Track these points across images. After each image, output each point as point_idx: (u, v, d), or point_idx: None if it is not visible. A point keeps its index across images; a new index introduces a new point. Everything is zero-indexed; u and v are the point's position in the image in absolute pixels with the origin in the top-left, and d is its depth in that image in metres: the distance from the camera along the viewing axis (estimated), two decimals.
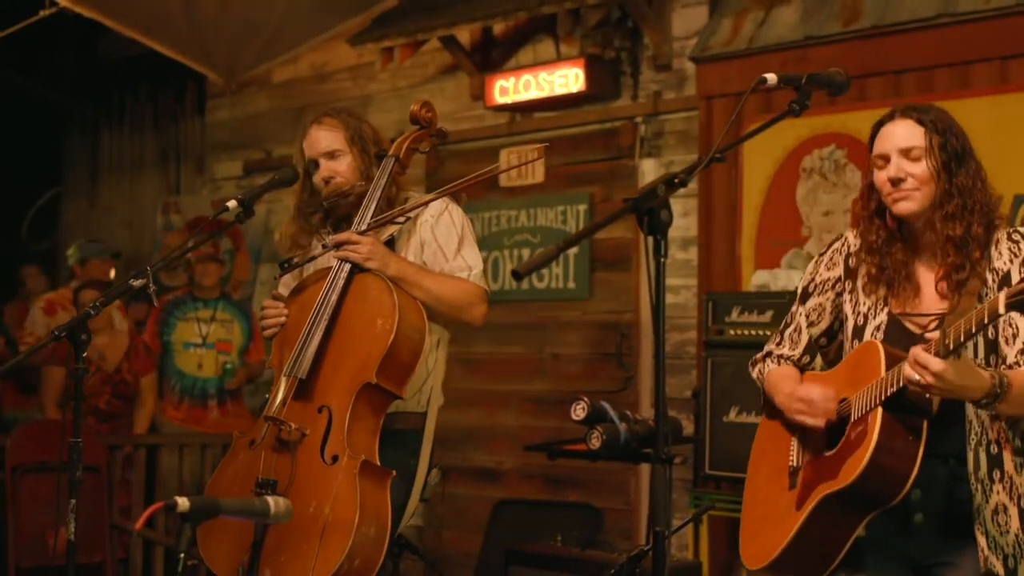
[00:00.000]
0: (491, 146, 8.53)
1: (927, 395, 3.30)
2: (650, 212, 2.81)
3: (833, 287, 3.83)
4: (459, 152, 8.59)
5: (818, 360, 3.96)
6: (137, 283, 4.16)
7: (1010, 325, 3.48)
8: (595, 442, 3.68)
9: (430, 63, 9.02)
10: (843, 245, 3.85)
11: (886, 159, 3.64)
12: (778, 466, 3.81)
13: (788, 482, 3.74)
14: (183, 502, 2.76)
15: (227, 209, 4.36)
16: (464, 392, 8.29)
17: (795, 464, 3.75)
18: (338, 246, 4.36)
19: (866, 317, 3.68)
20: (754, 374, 4.02)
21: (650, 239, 2.84)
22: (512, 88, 8.32)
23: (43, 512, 6.87)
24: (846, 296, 3.78)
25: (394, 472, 4.22)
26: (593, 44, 8.01)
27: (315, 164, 4.59)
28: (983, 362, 3.47)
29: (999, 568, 3.47)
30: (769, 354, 3.98)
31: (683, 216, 7.47)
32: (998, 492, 3.48)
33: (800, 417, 3.67)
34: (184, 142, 11.05)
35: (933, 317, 3.51)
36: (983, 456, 3.48)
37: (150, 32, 8.52)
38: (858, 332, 3.69)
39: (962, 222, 3.53)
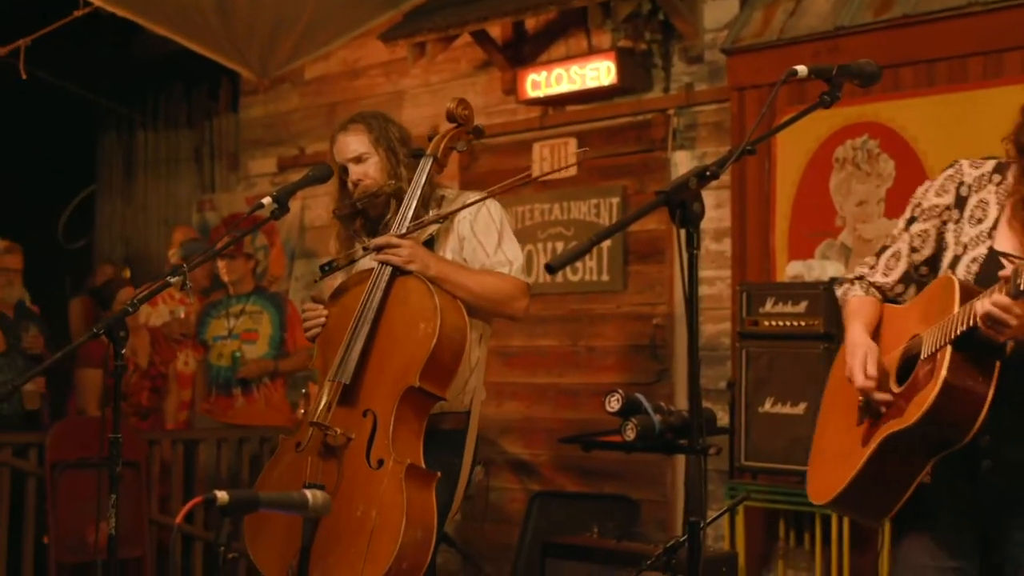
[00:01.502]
0: (523, 140, 8.55)
1: (999, 335, 3.21)
2: (682, 205, 2.82)
3: (940, 214, 3.66)
4: (492, 146, 8.60)
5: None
6: (174, 280, 4.19)
7: None
8: (630, 433, 3.70)
9: (462, 58, 9.04)
10: (956, 172, 3.71)
11: None
12: (850, 400, 3.71)
13: (857, 417, 3.66)
14: (223, 496, 2.79)
15: (262, 206, 4.39)
16: (500, 385, 8.33)
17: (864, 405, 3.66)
18: (378, 249, 4.39)
19: (966, 248, 3.57)
20: (838, 293, 3.89)
21: (682, 232, 2.84)
22: (544, 82, 8.33)
23: (83, 508, 6.92)
24: (951, 225, 3.64)
25: (439, 474, 4.25)
26: (624, 37, 8.02)
27: (345, 170, 4.64)
28: None
29: None
30: (860, 277, 3.83)
31: (716, 208, 7.48)
32: None
33: (848, 372, 3.60)
34: (218, 139, 11.10)
35: None
36: None
37: (183, 30, 8.55)
38: (955, 262, 3.58)
39: None
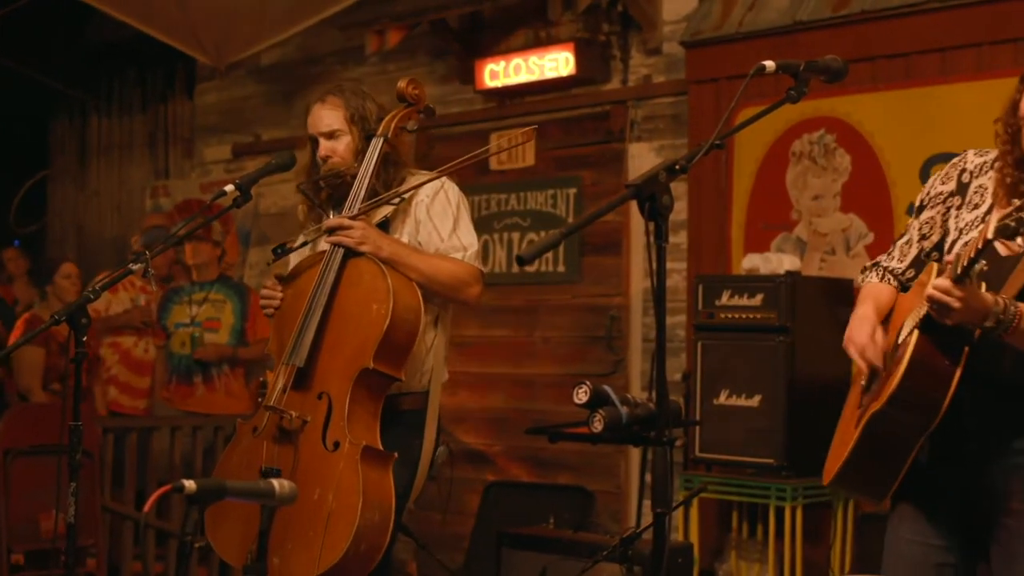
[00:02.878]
0: (481, 130, 8.54)
1: (944, 319, 3.29)
2: (651, 198, 2.84)
3: (944, 201, 3.74)
4: (449, 136, 8.61)
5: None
6: (136, 267, 4.18)
7: None
8: (597, 425, 3.72)
9: (419, 47, 9.03)
10: (961, 160, 3.78)
11: None
12: (860, 384, 3.83)
13: (859, 399, 3.76)
14: (190, 484, 2.78)
15: (224, 193, 4.38)
16: (454, 375, 8.19)
17: (867, 383, 3.77)
18: (330, 231, 4.37)
19: (961, 232, 3.65)
20: (857, 280, 4.02)
21: (651, 224, 2.85)
22: (502, 72, 8.33)
23: (35, 495, 6.88)
24: (953, 211, 3.71)
25: (396, 455, 4.24)
26: (583, 28, 8.02)
27: (315, 142, 4.59)
28: None
29: None
30: (876, 264, 3.93)
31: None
32: None
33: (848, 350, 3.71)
34: (173, 125, 11.06)
35: None
36: None
37: (139, 14, 8.52)
38: (951, 247, 3.66)
39: None
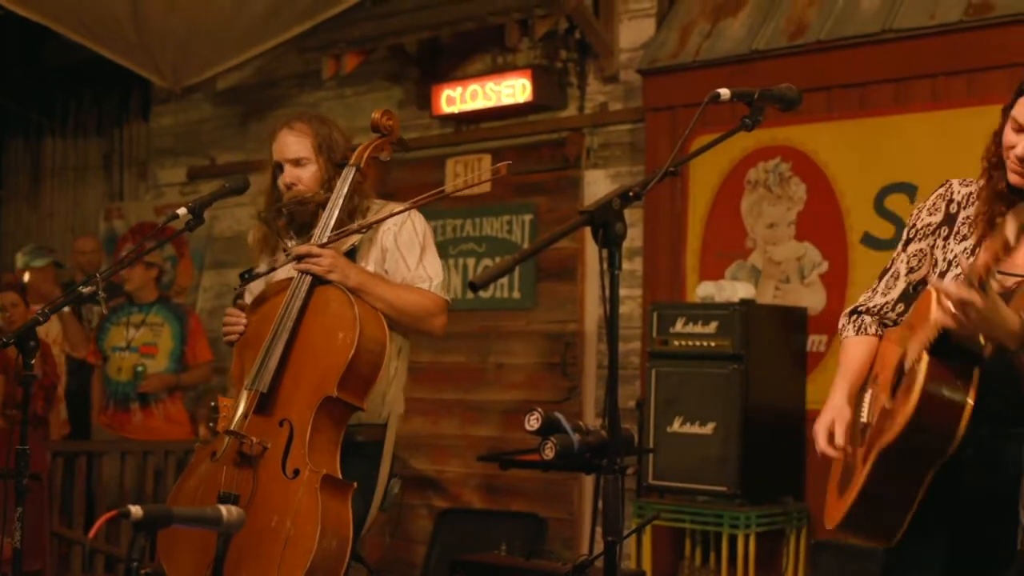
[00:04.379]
0: (437, 155, 8.55)
1: (963, 332, 3.22)
2: (605, 224, 2.83)
3: (933, 233, 3.69)
4: (405, 161, 8.58)
5: None
6: (87, 290, 4.14)
7: None
8: (549, 452, 3.70)
9: (377, 72, 9.02)
10: (947, 191, 3.73)
11: (1019, 129, 3.45)
12: (856, 423, 3.75)
13: (861, 439, 3.67)
14: (136, 510, 2.75)
15: (177, 216, 4.36)
16: (407, 401, 8.24)
17: (866, 419, 3.69)
18: (299, 258, 4.35)
19: (950, 264, 3.61)
20: (839, 327, 3.92)
21: (604, 251, 2.84)
22: (459, 97, 8.33)
23: None
24: (940, 242, 3.67)
25: (355, 484, 4.22)
26: (540, 55, 8.04)
27: (280, 168, 4.57)
28: None
29: None
30: (856, 310, 3.88)
31: (628, 227, 7.49)
32: None
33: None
34: (128, 148, 10.99)
35: (1020, 278, 3.36)
36: None
37: (96, 37, 8.48)
38: (942, 279, 3.58)
39: None
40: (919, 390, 3.31)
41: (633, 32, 7.76)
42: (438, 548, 7.72)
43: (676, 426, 6.57)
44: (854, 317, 3.88)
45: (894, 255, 3.84)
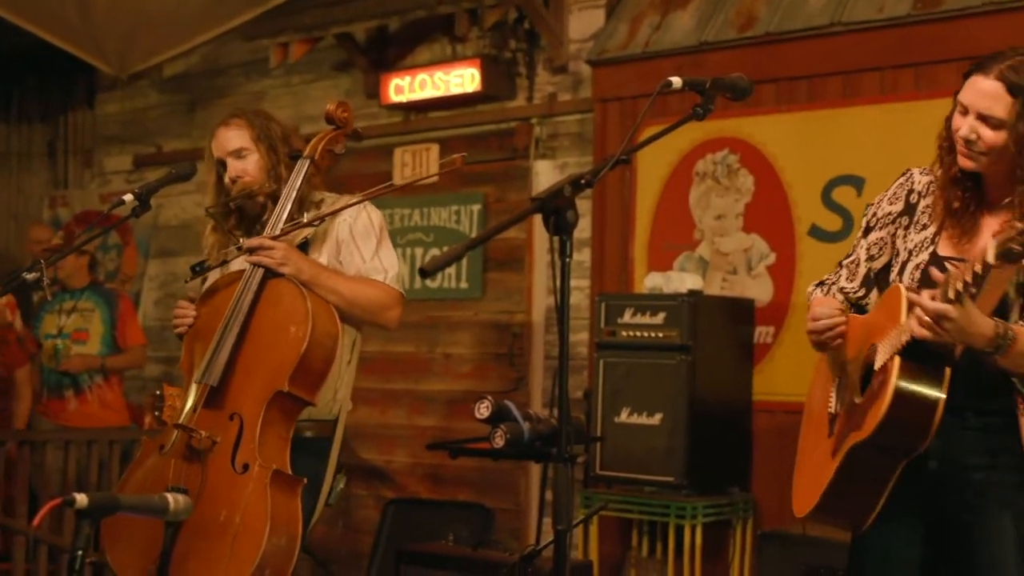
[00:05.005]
0: (385, 144, 8.51)
1: (937, 339, 3.29)
2: (556, 212, 2.82)
3: (893, 222, 3.76)
4: (353, 150, 8.46)
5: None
6: (31, 276, 4.10)
7: None
8: (499, 441, 3.69)
9: (324, 60, 8.98)
10: (907, 180, 3.80)
11: (965, 111, 3.51)
12: (822, 412, 3.82)
13: (828, 429, 3.74)
14: (81, 498, 2.72)
15: (123, 202, 4.32)
16: (354, 391, 8.22)
17: (834, 411, 3.75)
18: (251, 251, 4.32)
19: (911, 254, 3.67)
20: (807, 294, 3.98)
21: (556, 239, 2.83)
22: (407, 87, 8.31)
23: None
24: (900, 231, 3.74)
25: (305, 480, 4.19)
26: (490, 44, 8.02)
27: (223, 164, 4.54)
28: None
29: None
30: (823, 282, 3.94)
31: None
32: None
33: (811, 336, 3.71)
34: (73, 135, 10.90)
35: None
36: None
37: (40, 22, 8.38)
38: (902, 269, 3.67)
39: None
40: (892, 390, 3.35)
41: (583, 23, 7.75)
42: (385, 538, 7.68)
43: (623, 417, 6.57)
44: (822, 286, 3.93)
45: (855, 243, 3.89)
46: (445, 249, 8.19)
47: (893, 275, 3.73)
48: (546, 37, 7.84)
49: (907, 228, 3.72)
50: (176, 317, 4.49)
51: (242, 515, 4.01)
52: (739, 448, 6.73)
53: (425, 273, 2.73)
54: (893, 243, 3.76)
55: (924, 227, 3.67)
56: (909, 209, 3.74)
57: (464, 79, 8.05)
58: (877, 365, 3.48)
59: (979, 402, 3.52)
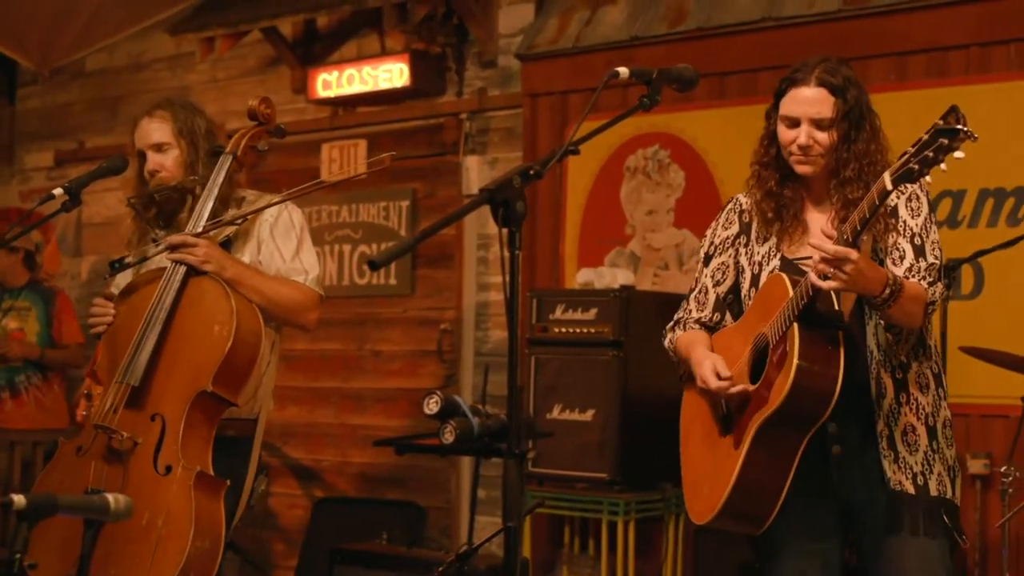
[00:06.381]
0: (313, 140, 8.43)
1: (833, 290, 3.44)
2: (505, 203, 2.78)
3: (733, 244, 3.98)
4: (280, 146, 8.37)
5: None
6: None
7: (896, 248, 3.66)
8: (449, 436, 3.64)
9: (251, 55, 8.89)
10: (736, 205, 4.04)
11: (795, 122, 3.75)
12: (709, 422, 3.90)
13: (721, 429, 3.83)
14: (19, 499, 2.64)
15: (53, 197, 4.24)
16: (282, 389, 8.15)
17: (725, 411, 3.83)
18: (173, 248, 4.25)
19: (760, 265, 3.85)
20: (665, 343, 4.13)
21: (505, 231, 2.80)
22: (335, 82, 8.23)
23: None
24: (742, 251, 3.94)
25: (228, 482, 4.13)
26: (418, 39, 7.95)
27: (143, 156, 4.47)
28: None
29: (909, 487, 3.65)
30: (678, 322, 4.09)
31: None
32: (906, 413, 3.66)
33: (710, 385, 3.78)
34: None
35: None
36: (888, 381, 3.64)
37: None
38: (755, 280, 3.85)
39: (860, 184, 3.66)
40: (797, 353, 3.48)
41: (512, 17, 7.71)
42: (315, 538, 7.63)
43: (556, 413, 6.54)
44: (679, 325, 4.11)
45: (696, 275, 4.10)
46: (374, 248, 8.17)
47: (746, 288, 3.93)
48: (475, 32, 7.80)
49: (747, 245, 3.96)
50: (94, 315, 4.41)
51: (165, 518, 3.95)
52: (671, 443, 6.65)
53: (375, 265, 2.68)
54: (736, 263, 3.99)
55: (765, 239, 3.89)
56: (744, 229, 3.98)
57: (393, 74, 7.99)
58: (772, 341, 3.61)
59: (862, 374, 3.67)
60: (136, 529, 3.92)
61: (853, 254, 3.34)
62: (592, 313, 6.51)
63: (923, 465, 3.66)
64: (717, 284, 4.00)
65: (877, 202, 3.31)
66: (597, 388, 6.44)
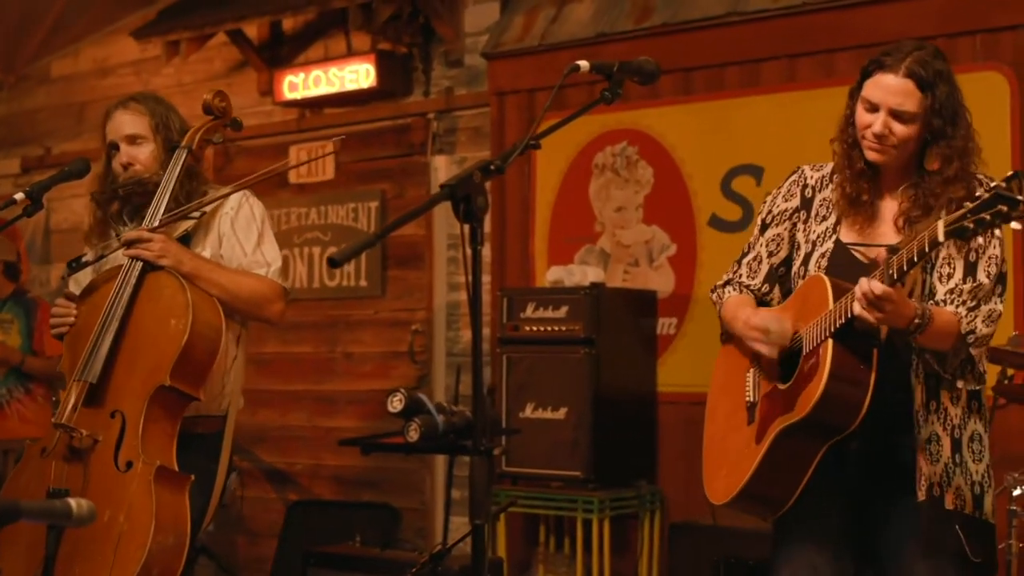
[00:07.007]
0: (280, 143, 8.40)
1: (874, 321, 3.37)
2: (466, 199, 2.76)
3: (790, 217, 3.88)
4: (248, 149, 8.45)
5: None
6: None
7: (948, 263, 3.58)
8: (413, 434, 3.62)
9: (217, 58, 8.85)
10: (800, 177, 3.91)
11: (874, 107, 3.60)
12: (736, 402, 3.87)
13: (747, 416, 3.80)
14: None
15: (15, 202, 4.21)
16: (254, 393, 8.11)
17: (752, 399, 3.81)
18: (129, 244, 4.21)
19: (814, 244, 3.78)
20: (713, 298, 4.05)
21: (466, 227, 2.78)
22: (302, 84, 8.21)
23: None
24: (800, 226, 3.85)
25: (192, 477, 4.09)
26: (384, 39, 7.94)
27: (115, 148, 4.42)
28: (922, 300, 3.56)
29: (923, 496, 3.58)
30: (729, 281, 4.00)
31: None
32: (932, 423, 3.60)
33: (756, 345, 3.70)
34: None
35: (883, 248, 3.50)
36: (919, 389, 3.59)
37: None
38: (806, 260, 3.78)
39: (963, 183, 3.57)
40: (828, 370, 3.44)
41: (478, 16, 7.69)
42: (289, 541, 7.60)
43: (528, 412, 6.54)
44: (731, 285, 4.00)
45: (751, 240, 3.99)
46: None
47: (796, 266, 3.85)
48: (441, 31, 7.77)
49: (806, 222, 3.85)
50: (54, 316, 4.37)
51: (127, 515, 3.91)
52: (645, 440, 6.72)
53: (335, 263, 2.65)
54: (792, 237, 3.89)
55: (824, 219, 3.80)
56: (805, 204, 3.86)
57: (359, 75, 7.96)
58: (806, 349, 3.57)
59: (896, 383, 3.60)
60: (98, 526, 3.86)
61: (895, 296, 3.30)
62: (563, 311, 6.51)
63: (942, 476, 3.60)
64: (771, 255, 3.91)
65: (927, 249, 3.23)
66: (569, 386, 6.43)
